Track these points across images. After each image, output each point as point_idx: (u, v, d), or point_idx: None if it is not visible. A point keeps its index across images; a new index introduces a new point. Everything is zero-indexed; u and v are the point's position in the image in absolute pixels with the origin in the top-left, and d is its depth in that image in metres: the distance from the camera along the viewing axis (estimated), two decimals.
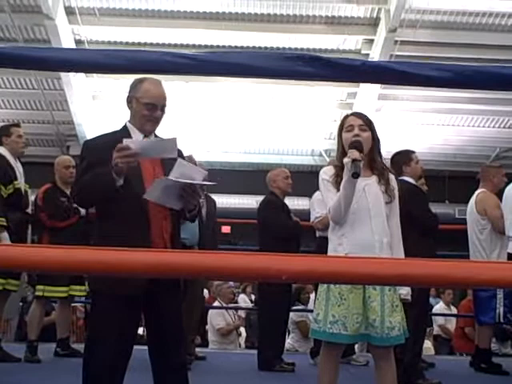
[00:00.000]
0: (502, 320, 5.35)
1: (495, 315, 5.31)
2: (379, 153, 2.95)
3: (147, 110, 2.87)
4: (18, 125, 5.36)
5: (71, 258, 1.66)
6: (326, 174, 2.93)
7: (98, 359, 2.73)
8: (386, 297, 2.76)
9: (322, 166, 3.25)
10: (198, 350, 5.86)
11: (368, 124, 2.88)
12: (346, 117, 2.95)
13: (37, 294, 5.36)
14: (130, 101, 2.94)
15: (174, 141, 2.75)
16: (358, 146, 2.77)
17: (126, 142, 2.70)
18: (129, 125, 2.94)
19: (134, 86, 2.92)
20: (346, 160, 2.73)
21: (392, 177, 2.98)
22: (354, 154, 2.71)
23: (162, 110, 2.91)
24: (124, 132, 2.91)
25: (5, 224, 4.81)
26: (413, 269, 1.50)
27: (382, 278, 1.57)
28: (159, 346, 2.81)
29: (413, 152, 4.83)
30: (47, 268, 1.92)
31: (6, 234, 4.80)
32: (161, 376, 2.81)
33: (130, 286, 2.60)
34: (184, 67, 1.61)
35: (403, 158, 4.74)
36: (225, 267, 1.57)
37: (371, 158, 2.89)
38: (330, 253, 2.88)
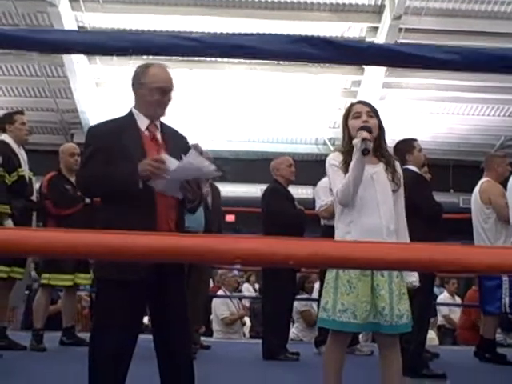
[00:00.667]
0: (507, 310, 5.33)
1: (501, 305, 5.29)
2: (385, 141, 2.96)
3: (159, 95, 2.84)
4: (21, 112, 5.35)
5: (74, 241, 1.65)
6: (335, 159, 2.92)
7: (103, 348, 2.72)
8: (394, 284, 2.75)
9: (326, 155, 3.24)
10: (202, 339, 5.87)
11: (374, 112, 2.89)
12: (352, 104, 2.95)
13: (42, 281, 5.36)
14: (137, 87, 2.90)
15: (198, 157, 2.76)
16: (367, 129, 2.78)
17: (164, 157, 2.69)
18: (134, 111, 2.91)
19: (141, 72, 2.89)
20: (355, 141, 2.74)
21: (398, 164, 2.99)
22: (363, 134, 2.74)
23: (171, 95, 2.89)
24: (129, 118, 2.89)
25: (9, 211, 4.81)
26: (421, 253, 1.49)
27: (390, 263, 1.55)
28: (165, 334, 2.80)
29: (415, 140, 4.81)
30: (50, 251, 1.92)
31: (10, 221, 4.80)
32: (166, 365, 2.80)
33: (136, 272, 2.58)
34: (191, 50, 1.59)
35: (406, 146, 4.70)
36: (230, 251, 1.56)
37: (378, 146, 2.89)
38: None
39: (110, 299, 2.71)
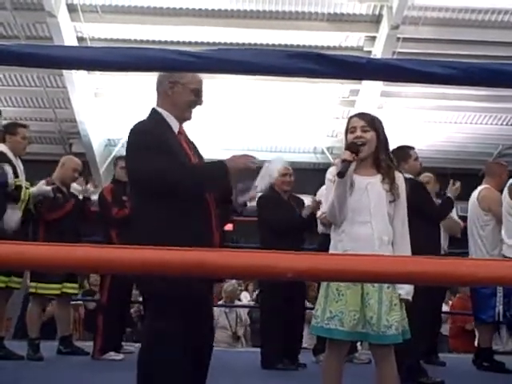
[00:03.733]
0: (501, 319, 5.33)
1: (494, 314, 5.29)
2: (386, 151, 2.93)
3: (194, 96, 2.82)
4: (25, 126, 5.28)
5: (67, 256, 1.65)
6: (331, 173, 2.94)
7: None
8: (385, 294, 2.74)
9: (324, 164, 3.28)
10: None
11: (371, 124, 2.88)
12: (350, 118, 2.96)
13: (30, 290, 5.38)
14: (172, 86, 2.82)
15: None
16: (353, 147, 2.79)
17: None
18: (163, 111, 2.83)
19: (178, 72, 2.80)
20: (336, 160, 2.76)
21: (399, 175, 2.96)
22: (345, 154, 2.75)
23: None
24: (160, 119, 2.80)
25: None
26: (411, 266, 1.50)
27: (386, 276, 1.56)
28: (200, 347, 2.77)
29: (412, 148, 4.82)
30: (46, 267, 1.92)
31: None
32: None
33: (195, 286, 2.55)
34: (188, 65, 1.60)
35: (402, 154, 4.69)
36: (229, 265, 1.56)
37: (376, 157, 2.89)
38: (331, 250, 2.88)
39: (172, 315, 2.59)
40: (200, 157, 2.87)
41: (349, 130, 2.90)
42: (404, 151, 4.75)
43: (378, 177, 2.88)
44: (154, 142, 2.67)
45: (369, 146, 2.85)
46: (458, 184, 4.98)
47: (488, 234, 5.32)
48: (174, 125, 2.82)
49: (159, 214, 2.65)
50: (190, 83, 2.80)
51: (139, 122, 2.84)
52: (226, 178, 2.66)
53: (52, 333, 5.97)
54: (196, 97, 2.83)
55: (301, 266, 1.59)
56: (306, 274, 1.63)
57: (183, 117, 2.84)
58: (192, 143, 2.91)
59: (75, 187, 5.54)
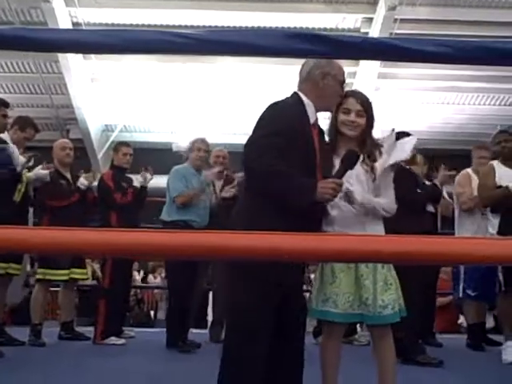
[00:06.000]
0: (461, 295, 5.45)
1: (459, 291, 5.42)
2: (370, 136, 2.91)
3: (340, 88, 2.82)
4: (6, 105, 5.01)
5: (71, 239, 1.65)
6: None
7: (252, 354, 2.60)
8: (379, 275, 2.74)
9: None
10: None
11: (366, 108, 2.86)
12: (346, 96, 2.89)
13: (38, 277, 5.41)
14: (323, 77, 2.78)
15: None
16: (353, 159, 2.70)
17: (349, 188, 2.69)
18: (305, 99, 2.79)
19: (327, 62, 2.78)
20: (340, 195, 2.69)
21: (382, 156, 2.93)
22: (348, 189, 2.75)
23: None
24: (298, 105, 2.76)
25: None
26: (405, 246, 1.50)
27: (378, 255, 1.55)
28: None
29: (407, 134, 4.82)
30: (49, 250, 1.93)
31: None
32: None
33: (286, 273, 2.53)
34: (183, 46, 1.59)
35: None
36: (225, 246, 1.56)
37: (362, 140, 2.87)
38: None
39: (261, 300, 2.59)
40: (323, 150, 2.78)
41: (342, 108, 2.85)
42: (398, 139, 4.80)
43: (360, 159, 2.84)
44: (278, 127, 2.62)
45: (360, 131, 2.85)
46: (450, 172, 4.86)
47: (456, 216, 5.46)
48: (311, 115, 2.79)
49: (264, 204, 2.61)
50: (339, 75, 2.81)
51: (280, 102, 2.78)
52: (309, 202, 2.58)
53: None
54: (341, 89, 2.83)
55: (297, 247, 1.59)
56: (301, 255, 1.63)
57: (329, 107, 2.83)
58: (323, 136, 2.86)
59: (82, 182, 5.55)
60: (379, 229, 2.82)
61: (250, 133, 2.72)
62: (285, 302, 2.67)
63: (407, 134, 4.86)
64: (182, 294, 5.09)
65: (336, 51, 1.56)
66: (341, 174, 2.66)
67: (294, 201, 2.57)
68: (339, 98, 2.84)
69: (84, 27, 9.97)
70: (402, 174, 4.84)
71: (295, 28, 10.04)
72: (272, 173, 2.58)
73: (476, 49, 1.72)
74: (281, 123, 2.64)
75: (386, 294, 2.74)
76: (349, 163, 2.68)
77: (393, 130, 2.95)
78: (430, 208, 4.91)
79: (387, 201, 2.83)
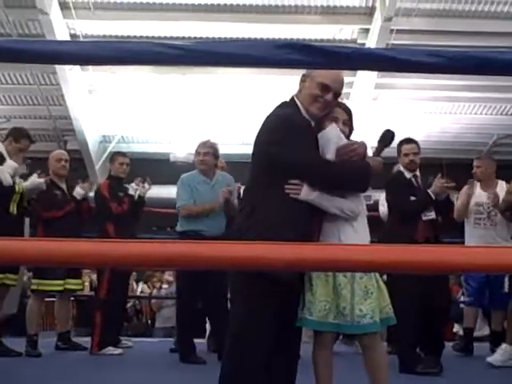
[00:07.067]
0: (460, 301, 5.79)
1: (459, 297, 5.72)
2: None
3: (319, 90, 2.77)
4: None
5: (67, 250, 1.65)
6: None
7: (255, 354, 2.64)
8: (357, 284, 2.73)
9: None
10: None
11: (350, 118, 2.94)
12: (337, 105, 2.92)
13: (32, 287, 5.41)
14: (303, 80, 2.83)
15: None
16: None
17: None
18: (298, 102, 2.83)
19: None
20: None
21: None
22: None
23: (335, 96, 2.82)
24: (295, 109, 2.81)
25: None
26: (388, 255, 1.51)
27: (373, 265, 1.56)
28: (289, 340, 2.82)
29: (405, 143, 4.91)
30: (44, 262, 1.93)
31: None
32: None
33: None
34: (175, 58, 1.61)
35: (397, 148, 4.88)
36: (218, 257, 1.56)
37: None
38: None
39: (267, 297, 2.62)
40: None
41: (330, 117, 2.87)
42: (398, 146, 4.87)
43: None
44: (298, 135, 2.70)
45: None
46: (448, 184, 4.78)
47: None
48: (308, 117, 2.81)
49: (279, 206, 2.67)
50: (318, 76, 2.77)
51: (288, 113, 2.80)
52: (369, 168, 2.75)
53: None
54: (322, 92, 2.76)
55: (289, 257, 1.59)
56: (295, 265, 1.64)
57: (309, 111, 2.80)
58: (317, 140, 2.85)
59: (78, 191, 5.56)
60: (352, 233, 2.77)
61: (266, 150, 2.76)
62: (285, 302, 2.69)
63: (402, 143, 4.92)
64: (189, 302, 5.08)
65: (326, 61, 1.57)
66: (379, 151, 2.83)
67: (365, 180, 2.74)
68: (317, 102, 2.79)
69: (82, 39, 10.01)
70: (395, 181, 4.91)
71: (292, 39, 10.08)
72: (335, 168, 2.73)
73: (467, 59, 1.73)
74: (296, 128, 2.71)
75: (365, 304, 2.71)
76: (386, 141, 2.84)
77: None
78: (430, 215, 4.83)
79: (347, 202, 2.77)
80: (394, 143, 3.02)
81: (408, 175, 4.85)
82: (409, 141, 4.92)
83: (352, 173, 2.76)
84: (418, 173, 4.89)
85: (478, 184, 5.56)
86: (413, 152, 4.83)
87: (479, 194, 5.48)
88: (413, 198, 4.76)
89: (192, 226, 5.02)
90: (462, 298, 5.84)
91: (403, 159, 4.86)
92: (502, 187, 5.49)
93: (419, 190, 4.79)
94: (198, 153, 5.21)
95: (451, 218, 5.45)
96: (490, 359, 4.82)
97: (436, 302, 4.64)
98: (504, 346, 4.85)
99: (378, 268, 1.71)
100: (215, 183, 5.17)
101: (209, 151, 5.17)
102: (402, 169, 4.90)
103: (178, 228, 5.15)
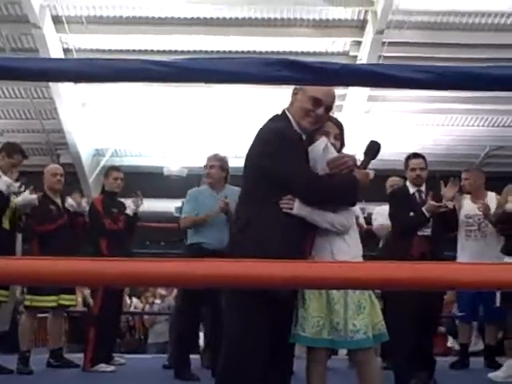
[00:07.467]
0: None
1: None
2: None
3: (311, 105, 2.76)
4: None
5: (59, 269, 1.64)
6: None
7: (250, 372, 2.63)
8: (350, 298, 2.71)
9: None
10: None
11: (341, 133, 2.94)
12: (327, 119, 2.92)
13: (25, 303, 5.36)
14: (295, 93, 2.82)
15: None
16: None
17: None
18: (290, 116, 2.83)
19: None
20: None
21: None
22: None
23: (327, 110, 2.81)
24: (288, 124, 2.80)
25: None
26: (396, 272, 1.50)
27: (368, 282, 1.56)
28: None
29: (412, 157, 4.94)
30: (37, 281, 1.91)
31: None
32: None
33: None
34: (163, 75, 1.61)
35: (404, 163, 4.96)
36: (209, 275, 1.55)
37: None
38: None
39: (258, 316, 2.62)
40: None
41: (322, 131, 2.86)
42: (405, 160, 4.96)
43: None
44: (292, 150, 2.70)
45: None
46: (439, 203, 4.68)
47: None
48: (299, 130, 2.81)
49: (273, 220, 2.67)
50: (310, 90, 2.76)
51: (280, 127, 2.80)
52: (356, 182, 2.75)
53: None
54: (314, 106, 2.76)
55: (286, 274, 1.59)
56: (290, 282, 1.63)
57: (300, 125, 2.79)
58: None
59: (70, 203, 5.54)
60: (344, 247, 2.77)
61: (259, 164, 2.77)
62: (278, 319, 2.67)
63: (409, 158, 4.95)
64: (189, 319, 5.06)
65: (315, 78, 1.57)
66: (366, 164, 2.82)
67: (351, 188, 2.75)
68: (308, 116, 2.78)
69: (75, 53, 10.03)
70: (397, 195, 4.92)
71: (284, 52, 10.11)
72: (325, 182, 2.73)
73: (455, 74, 1.74)
74: (287, 141, 2.71)
75: (358, 319, 2.70)
76: (372, 153, 2.83)
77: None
78: (426, 231, 4.75)
79: (338, 217, 2.76)
80: (381, 155, 2.97)
81: (412, 190, 4.86)
82: (416, 155, 4.96)
83: (341, 186, 2.76)
84: (423, 188, 4.88)
85: (468, 196, 5.57)
86: (420, 167, 4.85)
87: (469, 207, 5.47)
88: (412, 214, 4.73)
89: (195, 239, 4.99)
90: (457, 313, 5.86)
91: (410, 174, 4.87)
92: (491, 198, 5.51)
93: (421, 206, 4.76)
94: (205, 166, 5.19)
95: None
96: (491, 375, 4.79)
97: (429, 317, 4.64)
98: (508, 362, 4.83)
99: (367, 285, 1.70)
100: (223, 197, 5.03)
101: (215, 164, 5.11)
102: (407, 183, 4.92)
103: (187, 241, 5.14)
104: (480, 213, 5.33)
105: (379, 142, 2.87)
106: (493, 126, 12.02)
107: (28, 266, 1.69)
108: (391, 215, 4.92)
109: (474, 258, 5.23)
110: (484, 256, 5.18)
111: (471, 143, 12.35)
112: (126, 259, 1.74)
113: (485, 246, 5.35)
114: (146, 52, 10.16)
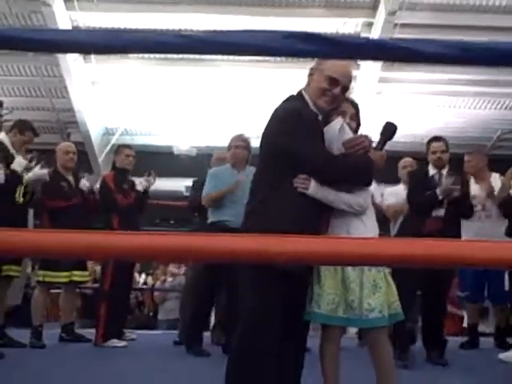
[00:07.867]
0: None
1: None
2: None
3: (328, 84, 2.75)
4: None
5: (72, 242, 1.65)
6: None
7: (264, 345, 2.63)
8: (366, 277, 2.71)
9: None
10: None
11: (358, 113, 2.92)
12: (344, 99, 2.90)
13: (38, 279, 5.42)
14: (311, 73, 2.82)
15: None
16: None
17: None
18: (306, 96, 2.82)
19: (326, 60, 2.76)
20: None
21: None
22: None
23: (343, 91, 2.80)
24: (302, 103, 2.80)
25: None
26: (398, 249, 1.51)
27: (379, 258, 1.55)
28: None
29: (434, 140, 5.00)
30: (48, 253, 1.93)
31: None
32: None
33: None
34: (181, 47, 1.60)
35: (426, 146, 5.03)
36: (215, 249, 1.55)
37: None
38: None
39: (276, 288, 2.62)
40: None
41: (338, 111, 2.85)
42: (427, 143, 5.04)
43: None
44: (308, 128, 2.70)
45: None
46: (455, 186, 4.73)
47: None
48: (316, 111, 2.80)
49: (288, 200, 2.66)
50: (326, 70, 2.75)
51: (295, 106, 2.79)
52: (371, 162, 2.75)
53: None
54: (330, 85, 2.74)
55: (293, 250, 1.58)
56: (299, 258, 1.63)
57: (316, 104, 2.78)
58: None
59: (85, 183, 5.58)
60: (361, 227, 2.77)
61: (274, 142, 2.77)
62: (293, 294, 2.68)
63: (431, 140, 4.97)
64: (203, 297, 5.11)
65: (340, 51, 1.56)
66: (381, 145, 2.82)
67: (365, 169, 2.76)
68: (325, 95, 2.77)
69: None
70: (415, 175, 5.01)
71: None
72: (340, 163, 2.73)
73: (481, 50, 1.71)
74: (299, 121, 2.70)
75: (374, 297, 2.70)
76: (388, 134, 2.83)
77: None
78: (439, 212, 4.79)
79: (354, 197, 2.76)
80: (397, 137, 2.96)
81: (432, 171, 4.93)
82: (437, 139, 5.03)
83: (356, 167, 2.76)
84: (444, 171, 4.90)
85: (471, 178, 5.57)
86: (440, 150, 4.91)
87: (472, 188, 5.47)
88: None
89: (216, 217, 5.00)
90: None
91: (431, 156, 4.94)
92: (495, 179, 5.55)
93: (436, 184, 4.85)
94: (229, 146, 5.18)
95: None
96: (502, 356, 4.83)
97: (436, 295, 4.73)
98: None
99: (377, 261, 1.70)
100: (244, 176, 4.98)
101: (240, 144, 5.12)
102: (429, 165, 4.99)
103: (209, 220, 5.13)
104: (483, 194, 5.37)
105: (395, 123, 2.85)
106: (505, 108, 11.94)
107: (40, 238, 1.70)
108: (407, 194, 5.02)
109: (478, 238, 5.22)
110: (488, 237, 5.17)
111: (483, 126, 12.28)
112: (141, 232, 1.75)
113: (490, 226, 5.35)
114: (155, 31, 10.11)
